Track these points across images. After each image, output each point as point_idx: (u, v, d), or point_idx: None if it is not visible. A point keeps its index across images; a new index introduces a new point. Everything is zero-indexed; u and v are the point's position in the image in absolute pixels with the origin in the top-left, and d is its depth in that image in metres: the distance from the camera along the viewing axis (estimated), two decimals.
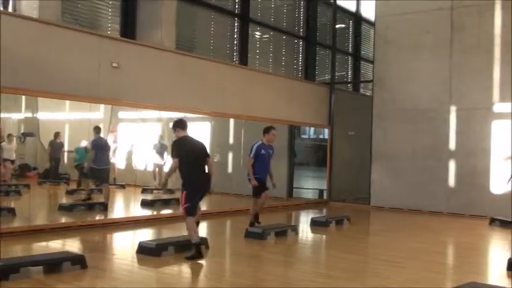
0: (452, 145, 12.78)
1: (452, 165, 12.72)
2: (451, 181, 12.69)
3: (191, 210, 6.87)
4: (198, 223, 7.27)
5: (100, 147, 10.66)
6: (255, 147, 8.89)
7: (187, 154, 6.89)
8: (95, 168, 10.56)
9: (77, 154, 12.22)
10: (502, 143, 11.99)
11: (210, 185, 7.13)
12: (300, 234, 9.39)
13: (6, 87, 8.11)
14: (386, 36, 13.86)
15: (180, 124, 7.12)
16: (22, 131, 12.02)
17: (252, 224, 8.89)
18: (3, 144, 11.12)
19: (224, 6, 13.27)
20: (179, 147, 6.93)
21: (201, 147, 7.16)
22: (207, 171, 7.15)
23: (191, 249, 6.83)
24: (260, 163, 8.85)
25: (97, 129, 10.90)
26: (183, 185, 6.93)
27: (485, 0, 12.45)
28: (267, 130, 9.03)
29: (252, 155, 8.84)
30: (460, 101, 12.68)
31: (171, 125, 7.48)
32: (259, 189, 8.88)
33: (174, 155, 6.89)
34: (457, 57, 12.73)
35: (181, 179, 6.95)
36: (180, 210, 7.08)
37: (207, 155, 7.15)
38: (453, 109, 12.76)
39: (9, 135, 11.41)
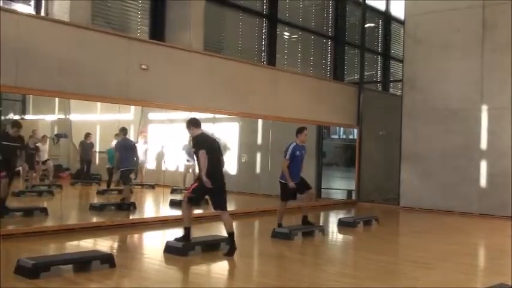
0: (483, 145, 12.56)
1: (483, 166, 12.51)
2: (483, 181, 12.48)
3: (192, 200, 7.13)
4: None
5: (125, 149, 10.78)
6: (290, 148, 8.72)
7: (208, 148, 6.99)
8: (120, 170, 10.71)
9: (107, 155, 12.42)
10: None
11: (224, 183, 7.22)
12: (327, 235, 9.37)
13: (40, 90, 8.32)
14: (416, 35, 13.70)
15: (193, 123, 7.23)
16: (55, 133, 12.28)
17: (280, 225, 8.89)
18: (38, 145, 11.37)
19: (252, 6, 13.29)
20: (202, 141, 7.06)
21: (218, 145, 7.32)
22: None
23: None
24: (294, 165, 8.74)
25: (123, 131, 11.00)
26: (198, 177, 7.11)
27: None
28: (299, 130, 8.91)
29: (287, 157, 8.68)
30: (492, 101, 12.46)
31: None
32: (290, 192, 8.76)
33: (200, 147, 6.97)
34: (488, 56, 12.50)
35: (199, 171, 7.09)
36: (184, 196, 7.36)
37: (222, 154, 7.31)
38: (484, 108, 12.55)
39: (44, 137, 11.67)
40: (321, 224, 11.02)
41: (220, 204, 7.10)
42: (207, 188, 6.92)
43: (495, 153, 12.37)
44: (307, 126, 9.30)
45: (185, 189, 13.36)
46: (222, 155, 7.29)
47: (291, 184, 8.59)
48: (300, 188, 8.81)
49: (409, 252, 8.30)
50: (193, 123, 7.21)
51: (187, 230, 7.09)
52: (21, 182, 10.98)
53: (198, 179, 7.07)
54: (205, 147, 6.94)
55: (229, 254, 6.95)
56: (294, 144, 8.81)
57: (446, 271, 6.78)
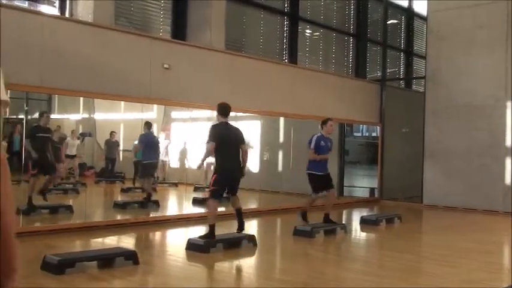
0: (509, 142, 12.38)
1: (509, 163, 12.33)
2: (508, 179, 12.30)
3: (216, 194, 7.18)
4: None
5: (148, 142, 10.90)
6: (315, 138, 8.74)
7: (222, 140, 7.10)
8: (142, 163, 10.82)
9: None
10: None
11: (242, 172, 7.37)
12: (349, 233, 9.35)
13: (64, 90, 8.47)
14: (439, 31, 13.57)
15: (219, 109, 7.35)
16: (80, 132, 12.46)
17: (303, 217, 8.86)
18: (68, 139, 11.56)
19: (273, 5, 13.32)
20: (215, 132, 7.15)
21: (237, 134, 7.37)
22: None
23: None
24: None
25: (148, 125, 11.12)
26: (215, 169, 7.28)
27: None
28: (324, 122, 8.95)
29: (312, 146, 8.70)
30: None
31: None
32: (321, 184, 8.75)
33: (210, 138, 7.13)
34: None
35: (215, 163, 7.31)
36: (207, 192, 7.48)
37: (242, 142, 7.37)
38: (509, 105, 12.37)
39: (73, 132, 11.88)
40: (343, 222, 11.01)
41: (235, 190, 7.40)
42: (227, 178, 7.14)
43: None
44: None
45: (207, 187, 13.49)
46: (242, 143, 7.34)
47: (323, 157, 8.67)
48: (325, 184, 8.81)
49: (432, 250, 8.24)
50: (218, 110, 7.35)
51: (212, 228, 7.13)
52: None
53: (216, 171, 7.22)
54: (214, 139, 7.06)
55: (239, 229, 7.32)
56: (319, 134, 8.83)
57: (470, 269, 6.73)
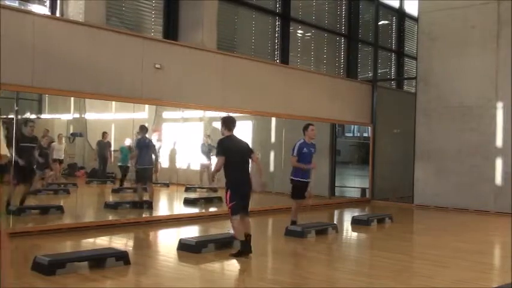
0: (499, 142, 12.46)
1: (499, 163, 12.41)
2: (498, 179, 12.38)
3: (235, 210, 6.87)
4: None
5: (144, 147, 10.86)
6: (297, 145, 8.85)
7: (231, 153, 6.89)
8: (139, 168, 10.78)
9: (121, 153, 12.50)
10: None
11: (252, 184, 7.10)
12: (341, 233, 9.36)
13: (56, 90, 8.42)
14: (430, 32, 13.63)
15: (224, 123, 7.13)
16: (71, 132, 12.38)
17: (293, 223, 8.90)
18: (53, 144, 11.48)
19: (265, 5, 13.31)
20: (223, 146, 6.96)
21: (245, 146, 7.15)
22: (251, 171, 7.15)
23: (234, 247, 7.00)
24: (302, 162, 8.80)
25: (143, 129, 11.06)
26: (226, 184, 6.99)
27: None
28: (305, 128, 9.01)
29: (294, 153, 8.80)
30: (508, 97, 12.34)
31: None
32: (300, 191, 8.84)
33: (219, 153, 6.94)
34: (504, 52, 12.39)
35: (225, 178, 7.00)
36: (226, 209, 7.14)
37: (251, 152, 7.12)
38: (500, 105, 12.45)
39: (60, 136, 11.78)
40: (334, 222, 11.03)
41: (247, 208, 7.06)
42: (240, 190, 6.91)
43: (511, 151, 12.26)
44: (321, 124, 9.33)
45: (200, 188, 13.47)
46: (252, 153, 7.09)
47: (306, 166, 8.73)
48: (304, 191, 8.89)
49: (423, 250, 8.27)
50: (224, 124, 7.12)
51: (242, 243, 6.89)
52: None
53: (227, 186, 6.95)
54: (224, 153, 6.85)
55: (245, 252, 6.89)
56: (302, 141, 8.90)
57: (461, 269, 6.76)
